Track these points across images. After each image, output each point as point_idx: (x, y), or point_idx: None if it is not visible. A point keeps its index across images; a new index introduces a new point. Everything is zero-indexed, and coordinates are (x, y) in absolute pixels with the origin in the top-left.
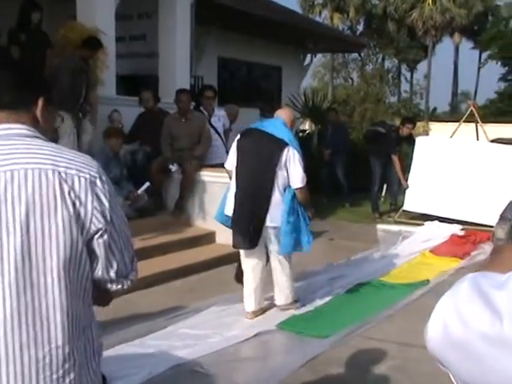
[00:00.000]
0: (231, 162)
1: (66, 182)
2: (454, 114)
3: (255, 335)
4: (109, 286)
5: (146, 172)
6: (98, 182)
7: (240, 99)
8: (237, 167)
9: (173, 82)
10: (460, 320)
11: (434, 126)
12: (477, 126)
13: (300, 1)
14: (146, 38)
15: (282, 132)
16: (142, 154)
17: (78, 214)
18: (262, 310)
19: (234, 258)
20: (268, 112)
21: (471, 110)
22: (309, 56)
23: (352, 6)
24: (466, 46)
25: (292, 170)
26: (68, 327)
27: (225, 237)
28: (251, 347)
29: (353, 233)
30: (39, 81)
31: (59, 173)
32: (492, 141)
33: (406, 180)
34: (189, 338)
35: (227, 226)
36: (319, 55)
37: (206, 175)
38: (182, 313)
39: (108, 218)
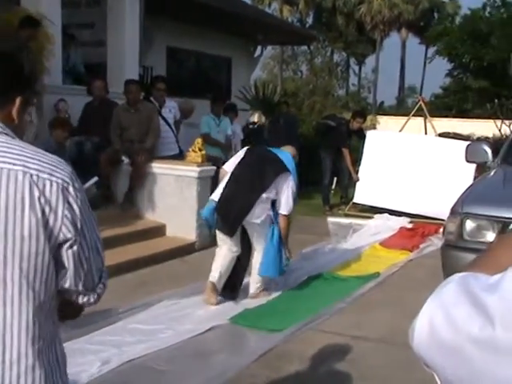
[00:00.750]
0: (231, 166)
1: (36, 185)
2: (400, 108)
3: (207, 330)
4: (75, 298)
5: (95, 163)
6: (71, 189)
7: (189, 90)
8: (233, 171)
9: (121, 72)
10: (449, 322)
11: (382, 120)
12: (425, 120)
13: None
14: (94, 26)
15: (288, 161)
16: (89, 145)
17: (46, 222)
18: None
19: (184, 251)
20: (218, 104)
21: (420, 105)
22: (259, 48)
23: None
24: (413, 41)
25: (284, 196)
26: (27, 342)
27: (175, 230)
28: (203, 342)
29: (304, 226)
30: (21, 77)
31: (31, 175)
32: (439, 135)
33: (357, 173)
34: (140, 333)
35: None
36: (269, 47)
37: (157, 167)
38: (132, 307)
39: (79, 227)
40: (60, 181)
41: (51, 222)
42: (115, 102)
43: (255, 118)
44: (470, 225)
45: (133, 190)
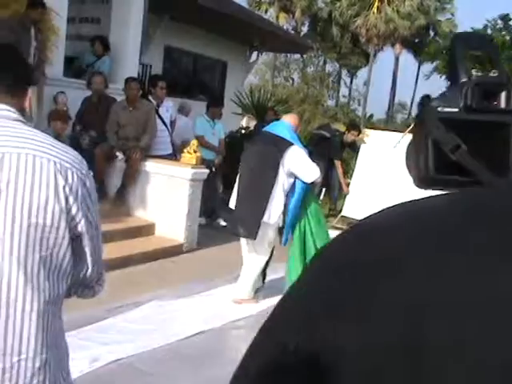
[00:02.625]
0: None
1: (60, 173)
2: (389, 123)
3: (196, 333)
4: (79, 290)
5: (91, 157)
6: (88, 183)
7: (184, 90)
8: (240, 166)
9: (121, 69)
10: None
11: (371, 133)
12: None
13: None
14: (100, 21)
15: (286, 131)
16: (87, 139)
17: (68, 211)
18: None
19: (172, 252)
20: (215, 107)
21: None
22: (255, 53)
23: (298, 6)
24: (407, 57)
25: (300, 167)
26: (43, 336)
27: (165, 229)
28: (192, 346)
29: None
30: (30, 69)
31: (54, 163)
32: None
33: (347, 186)
34: (129, 332)
35: None
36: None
37: (150, 166)
38: (121, 305)
39: (93, 222)
40: (79, 173)
41: (73, 212)
42: (114, 98)
43: (243, 122)
44: None
45: (125, 187)
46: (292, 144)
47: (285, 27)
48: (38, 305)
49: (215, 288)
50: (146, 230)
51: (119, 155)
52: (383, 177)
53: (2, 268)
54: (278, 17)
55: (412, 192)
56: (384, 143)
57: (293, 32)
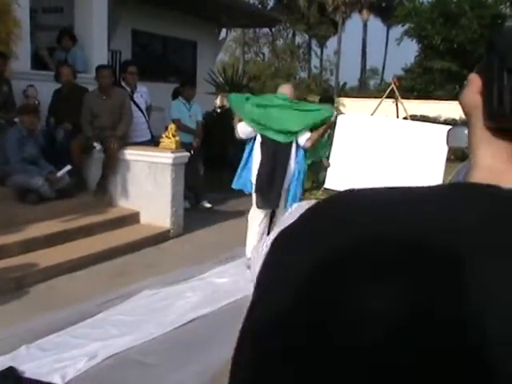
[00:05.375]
0: (245, 131)
1: None
2: (362, 90)
3: (191, 320)
4: None
5: (67, 151)
6: None
7: (155, 74)
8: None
9: (90, 57)
10: None
11: (346, 102)
12: (397, 103)
13: None
14: (63, 10)
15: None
16: (61, 133)
17: None
18: None
19: (159, 239)
20: (188, 88)
21: (392, 87)
22: (223, 31)
23: None
24: (374, 23)
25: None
26: None
27: (149, 217)
28: (189, 333)
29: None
30: None
31: None
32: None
33: (327, 158)
34: (123, 324)
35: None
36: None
37: (129, 154)
38: (112, 298)
39: None
40: None
41: None
42: (85, 88)
43: (217, 101)
44: None
45: (106, 177)
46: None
47: (251, 1)
48: None
49: (206, 272)
50: (131, 219)
51: (96, 146)
52: (362, 147)
53: None
54: None
55: (392, 159)
56: (360, 111)
57: (259, 6)
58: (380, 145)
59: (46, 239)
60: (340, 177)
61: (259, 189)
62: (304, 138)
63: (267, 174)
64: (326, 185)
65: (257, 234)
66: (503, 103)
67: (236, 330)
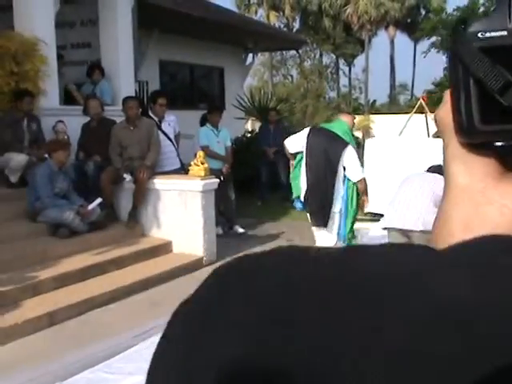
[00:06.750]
0: (294, 146)
1: None
2: (392, 106)
3: None
4: None
5: (97, 183)
6: None
7: (183, 102)
8: (306, 160)
9: (118, 89)
10: None
11: (376, 119)
12: (426, 118)
13: (236, 0)
14: (91, 45)
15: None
16: (92, 166)
17: None
18: None
19: (192, 268)
20: (215, 114)
21: (420, 103)
22: (250, 55)
23: (287, 3)
24: (401, 38)
25: (350, 166)
26: None
27: (181, 245)
28: None
29: (311, 233)
30: None
31: None
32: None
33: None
34: None
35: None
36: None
37: (159, 183)
38: (146, 330)
39: None
40: None
41: None
42: (113, 120)
43: (248, 125)
44: None
45: (136, 207)
46: (348, 144)
47: (276, 25)
48: None
49: None
50: (163, 248)
51: (126, 177)
52: (395, 166)
53: None
54: (268, 16)
55: (425, 175)
56: (389, 127)
57: (285, 29)
58: (410, 165)
59: (79, 273)
60: (379, 199)
61: (306, 205)
62: (356, 175)
63: (311, 189)
64: (367, 209)
65: None
66: (472, 115)
67: None
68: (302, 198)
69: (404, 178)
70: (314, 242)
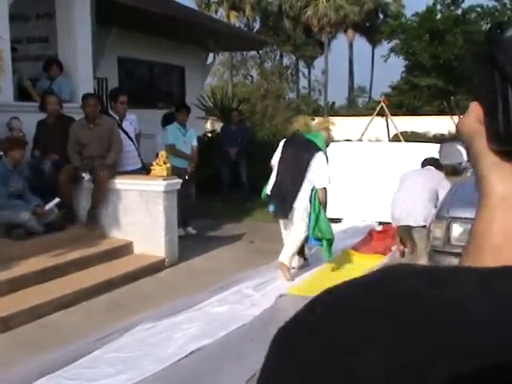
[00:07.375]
0: (276, 158)
1: None
2: (351, 108)
3: (191, 353)
4: None
5: (54, 183)
6: None
7: (143, 100)
8: (279, 158)
9: (76, 86)
10: None
11: (336, 121)
12: (387, 120)
13: None
14: (48, 40)
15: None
16: (49, 165)
17: None
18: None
19: (154, 269)
20: (183, 113)
21: (381, 106)
22: (211, 55)
23: (248, 3)
24: (360, 42)
25: (317, 172)
26: None
27: (143, 247)
28: (189, 366)
29: (272, 235)
30: None
31: None
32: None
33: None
34: (119, 362)
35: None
36: None
37: (120, 183)
38: (107, 334)
39: None
40: None
41: None
42: (72, 118)
43: (207, 125)
44: (457, 229)
45: (96, 207)
46: (320, 150)
47: (236, 25)
48: None
49: (203, 301)
50: (124, 249)
51: (85, 176)
52: (355, 172)
53: None
54: (228, 16)
55: (386, 183)
56: (349, 130)
57: (245, 29)
58: (369, 169)
59: (36, 275)
60: (340, 205)
61: (271, 199)
62: (320, 182)
63: (278, 186)
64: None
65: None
66: (510, 122)
67: (234, 360)
68: (269, 192)
69: (403, 175)
70: (282, 240)
